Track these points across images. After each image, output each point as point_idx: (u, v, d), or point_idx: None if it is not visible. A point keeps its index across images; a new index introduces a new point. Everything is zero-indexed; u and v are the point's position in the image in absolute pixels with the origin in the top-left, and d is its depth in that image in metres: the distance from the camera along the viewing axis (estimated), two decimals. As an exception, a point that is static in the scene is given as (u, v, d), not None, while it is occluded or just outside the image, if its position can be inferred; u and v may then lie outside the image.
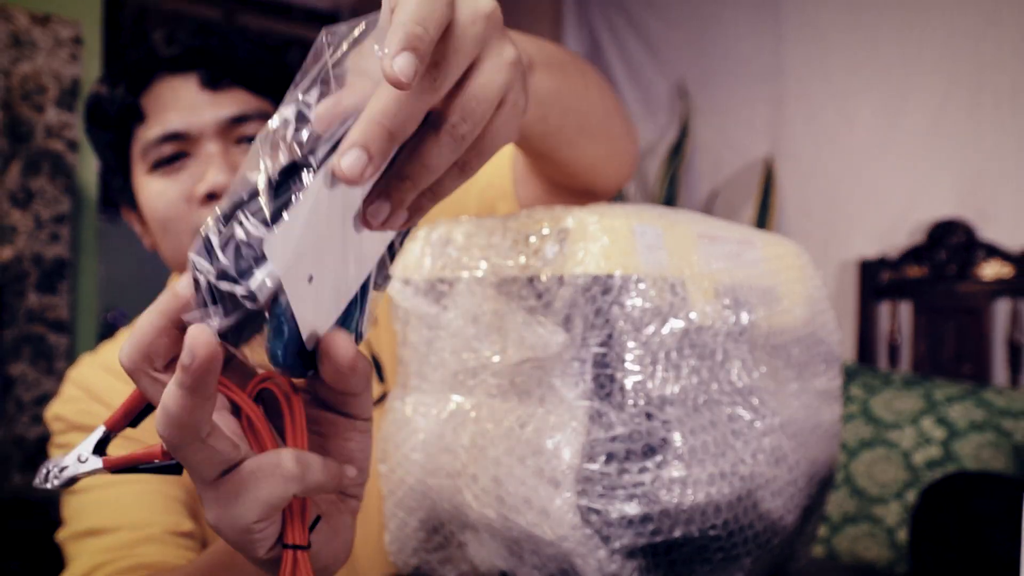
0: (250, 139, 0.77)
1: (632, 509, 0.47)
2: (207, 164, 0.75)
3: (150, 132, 0.76)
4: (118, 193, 0.83)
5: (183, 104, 0.76)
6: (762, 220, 2.16)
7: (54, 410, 0.78)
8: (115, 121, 0.78)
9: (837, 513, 1.50)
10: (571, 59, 0.63)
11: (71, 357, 2.18)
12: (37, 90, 2.07)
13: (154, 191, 0.76)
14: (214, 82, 0.76)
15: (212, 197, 0.74)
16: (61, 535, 0.72)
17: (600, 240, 0.49)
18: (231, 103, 0.76)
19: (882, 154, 2.03)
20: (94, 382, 0.78)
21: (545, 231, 0.51)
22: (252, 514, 0.36)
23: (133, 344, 0.35)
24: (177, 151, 0.76)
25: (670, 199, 2.36)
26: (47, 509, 1.96)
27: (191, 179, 0.75)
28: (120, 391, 0.77)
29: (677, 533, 0.48)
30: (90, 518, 0.70)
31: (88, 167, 2.18)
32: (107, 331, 2.53)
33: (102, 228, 2.28)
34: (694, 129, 2.42)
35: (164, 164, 0.76)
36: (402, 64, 0.30)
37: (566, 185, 0.68)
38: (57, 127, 2.11)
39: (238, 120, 0.76)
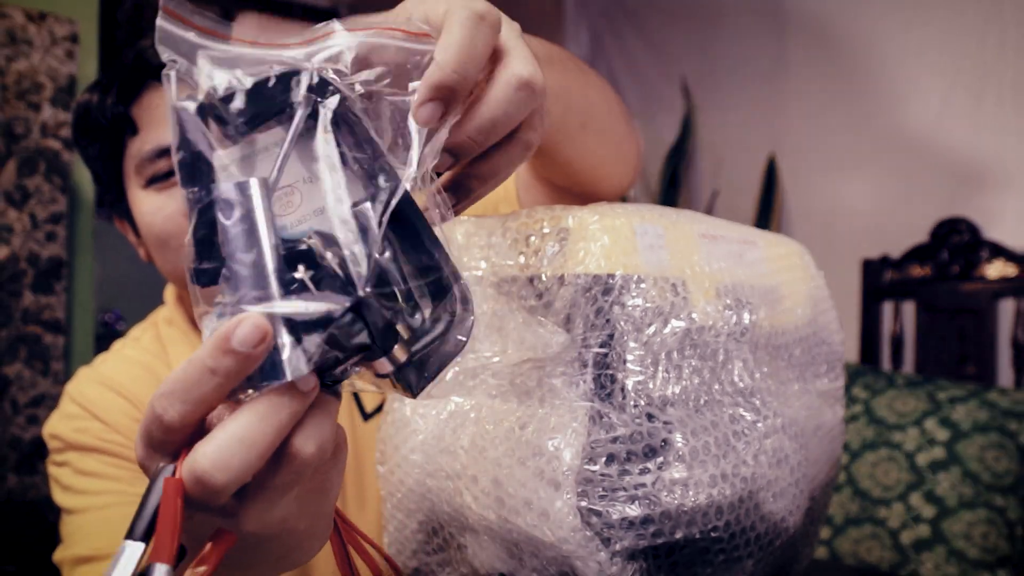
0: None
1: (633, 511, 0.46)
2: None
3: (144, 146, 0.74)
4: (110, 206, 0.81)
5: None
6: (764, 219, 2.15)
7: (51, 427, 0.77)
8: (105, 132, 0.76)
9: (840, 515, 1.49)
10: (569, 57, 0.62)
11: (67, 358, 2.18)
12: (33, 88, 2.07)
13: (150, 207, 0.74)
14: None
15: None
16: (58, 556, 0.72)
17: (601, 240, 0.48)
18: None
19: (885, 152, 2.03)
20: (92, 398, 0.77)
21: (545, 230, 0.51)
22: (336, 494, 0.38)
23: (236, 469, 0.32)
24: None
25: (672, 198, 2.35)
26: (43, 512, 1.95)
27: None
28: (119, 406, 0.76)
29: (678, 535, 0.48)
30: (84, 542, 0.70)
31: (84, 166, 2.17)
32: (103, 332, 2.52)
33: (98, 227, 2.27)
34: (696, 128, 2.41)
35: (160, 179, 0.74)
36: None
37: (569, 188, 0.67)
38: (53, 126, 2.10)
39: None
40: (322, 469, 0.36)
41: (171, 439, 0.33)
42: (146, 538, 0.31)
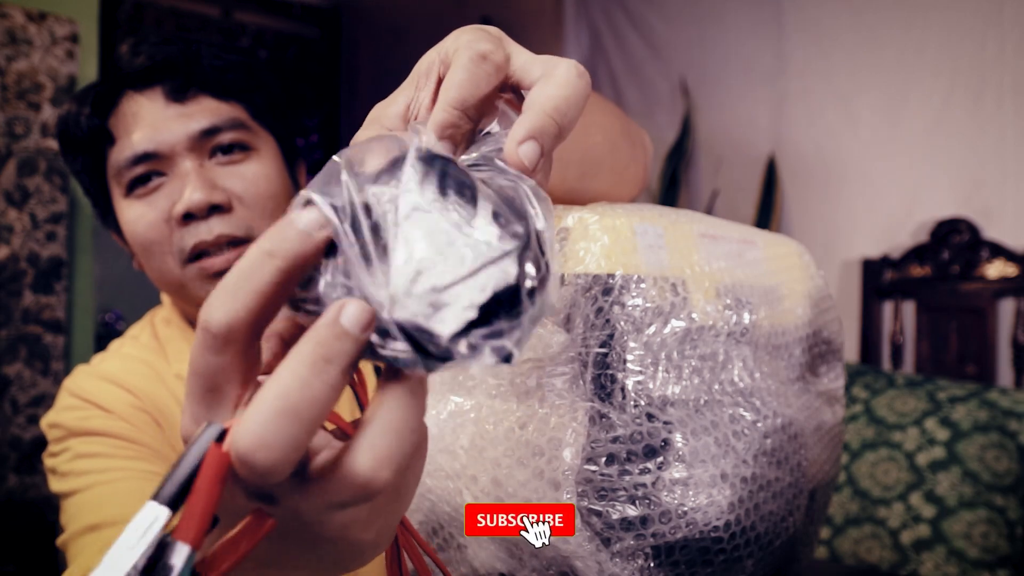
0: (224, 149, 0.75)
1: (633, 511, 0.46)
2: (183, 182, 0.72)
3: (121, 154, 0.73)
4: (102, 219, 0.81)
5: (150, 121, 0.73)
6: (764, 219, 2.15)
7: (50, 419, 0.77)
8: (85, 145, 0.76)
9: (840, 515, 1.49)
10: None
11: (67, 358, 2.18)
12: (33, 88, 2.07)
13: (132, 215, 0.74)
14: (179, 94, 0.73)
15: (190, 217, 0.72)
16: (62, 539, 0.71)
17: (601, 239, 0.48)
18: (201, 114, 0.74)
19: (885, 153, 2.03)
20: (91, 390, 0.76)
21: (545, 230, 0.51)
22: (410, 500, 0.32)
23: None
24: (150, 171, 0.73)
25: (672, 198, 2.35)
26: (43, 511, 1.95)
27: (168, 200, 0.73)
28: (120, 396, 0.76)
29: (678, 535, 0.48)
30: (90, 515, 0.68)
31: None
32: (103, 332, 2.52)
33: (98, 227, 2.27)
34: (695, 128, 2.41)
35: (139, 186, 0.74)
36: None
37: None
38: (53, 126, 2.10)
39: (209, 132, 0.73)
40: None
41: (218, 365, 0.28)
42: (173, 505, 0.26)
